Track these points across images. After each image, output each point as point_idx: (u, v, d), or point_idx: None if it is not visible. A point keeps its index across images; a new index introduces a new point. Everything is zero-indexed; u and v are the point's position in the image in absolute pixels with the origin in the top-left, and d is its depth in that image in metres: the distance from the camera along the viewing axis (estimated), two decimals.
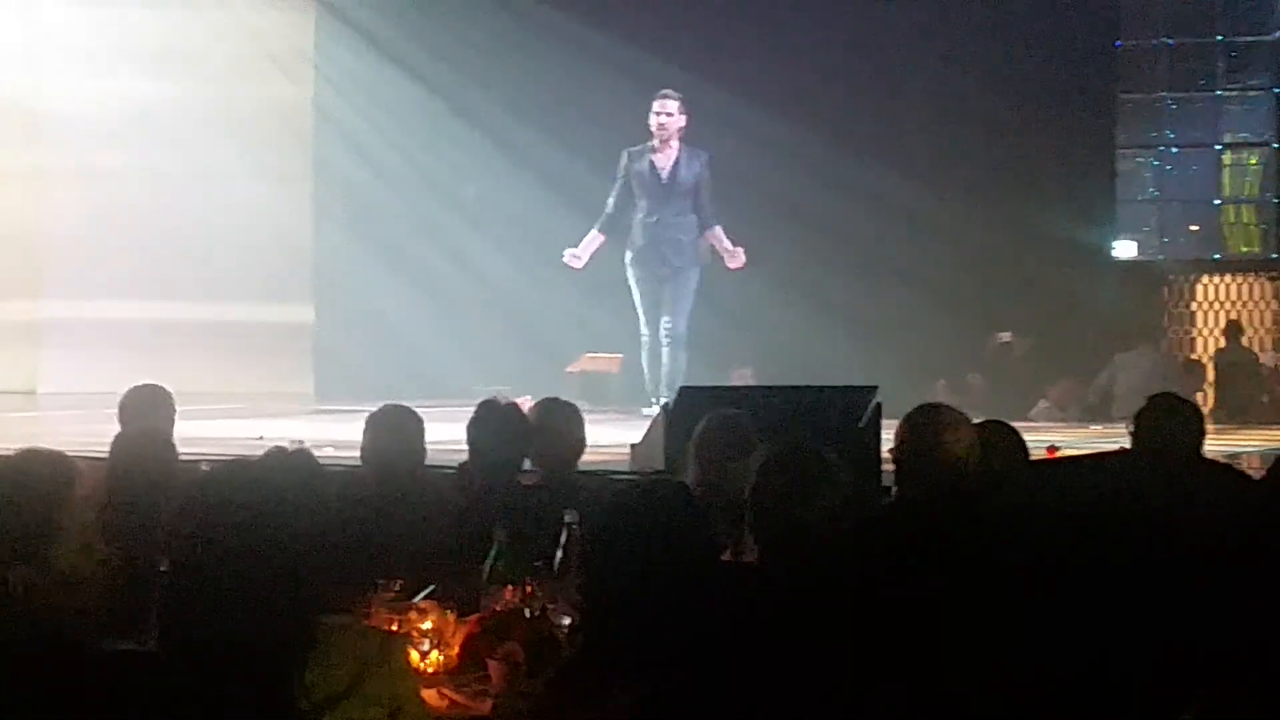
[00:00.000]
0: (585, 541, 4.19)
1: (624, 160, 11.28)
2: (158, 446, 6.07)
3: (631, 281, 11.24)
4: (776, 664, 2.57)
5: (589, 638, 3.88)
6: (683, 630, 3.36)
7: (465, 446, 6.27)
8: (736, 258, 11.28)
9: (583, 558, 4.00)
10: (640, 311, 11.20)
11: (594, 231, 11.33)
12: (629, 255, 11.23)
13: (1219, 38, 15.88)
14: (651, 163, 11.21)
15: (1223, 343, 15.30)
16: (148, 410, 7.04)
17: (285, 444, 5.76)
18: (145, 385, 7.33)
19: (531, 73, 14.99)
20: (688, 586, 3.55)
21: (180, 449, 6.29)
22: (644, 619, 3.55)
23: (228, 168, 14.78)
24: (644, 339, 11.18)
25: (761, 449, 5.16)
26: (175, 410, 7.29)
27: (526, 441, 6.18)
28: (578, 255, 11.29)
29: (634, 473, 8.04)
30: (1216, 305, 15.99)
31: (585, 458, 6.52)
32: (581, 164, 13.22)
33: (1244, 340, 15.19)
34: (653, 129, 11.22)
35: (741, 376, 13.39)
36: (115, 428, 6.66)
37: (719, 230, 11.27)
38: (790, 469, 4.75)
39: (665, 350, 11.08)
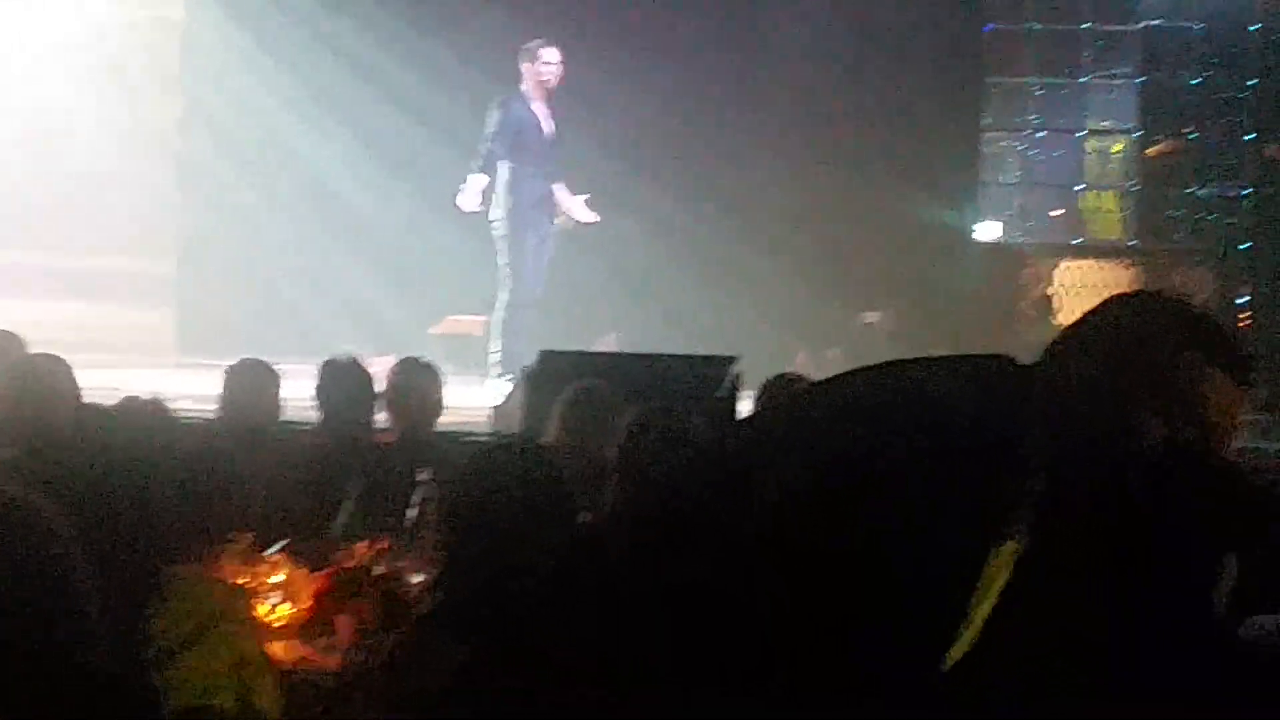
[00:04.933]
0: (441, 500, 4.20)
1: (499, 111, 10.74)
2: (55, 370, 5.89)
3: (508, 239, 10.74)
4: (632, 620, 2.59)
5: (441, 595, 3.89)
6: (535, 590, 3.38)
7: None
8: (588, 212, 11.04)
9: (438, 516, 4.01)
10: (509, 272, 10.75)
11: (477, 176, 10.71)
12: (504, 212, 10.73)
13: (1086, 25, 16.07)
14: (534, 115, 10.79)
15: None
16: None
17: (141, 395, 5.70)
18: None
19: (406, 18, 14.81)
20: (542, 547, 3.57)
21: None
22: (497, 578, 3.57)
23: (90, 113, 14.55)
24: (508, 300, 10.78)
25: (632, 409, 5.22)
26: None
27: (371, 397, 6.16)
28: (470, 199, 10.70)
29: (493, 434, 8.06)
30: (1076, 290, 16.20)
31: (445, 419, 6.52)
32: (459, 116, 12.99)
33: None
34: (540, 80, 10.75)
35: (606, 343, 13.38)
36: None
37: (563, 186, 10.98)
38: (658, 428, 4.82)
39: (529, 313, 10.84)
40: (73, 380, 5.64)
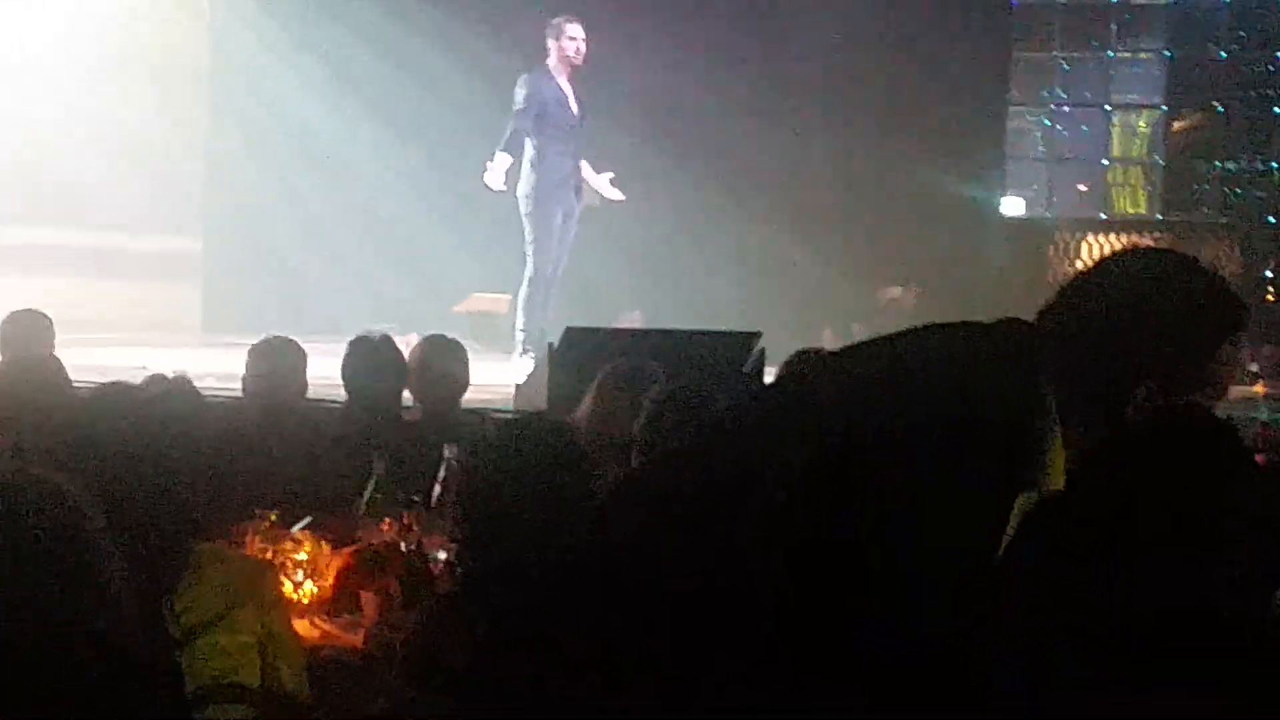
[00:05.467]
0: (462, 476, 4.21)
1: (526, 88, 10.68)
2: (46, 370, 5.94)
3: (535, 216, 10.66)
4: (651, 598, 2.58)
5: (463, 572, 3.90)
6: (557, 566, 3.38)
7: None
8: (614, 190, 11.03)
9: (459, 492, 4.02)
10: (535, 250, 10.69)
11: (503, 154, 10.66)
12: (532, 189, 10.67)
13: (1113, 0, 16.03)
14: (560, 91, 10.75)
15: None
16: (26, 336, 6.97)
17: (167, 373, 5.72)
18: (24, 311, 7.25)
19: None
20: (563, 522, 3.57)
21: None
22: (518, 554, 3.58)
23: (119, 97, 14.58)
24: (533, 278, 10.71)
25: (657, 386, 5.22)
26: (55, 337, 7.21)
27: (401, 375, 6.16)
28: (496, 177, 10.64)
29: (518, 411, 8.06)
30: None
31: (470, 396, 6.52)
32: (483, 99, 12.96)
33: None
34: (565, 55, 10.69)
35: (630, 319, 13.39)
36: None
37: (586, 163, 10.94)
38: (684, 404, 4.82)
39: (554, 290, 10.84)
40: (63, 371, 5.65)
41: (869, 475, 2.35)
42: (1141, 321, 2.48)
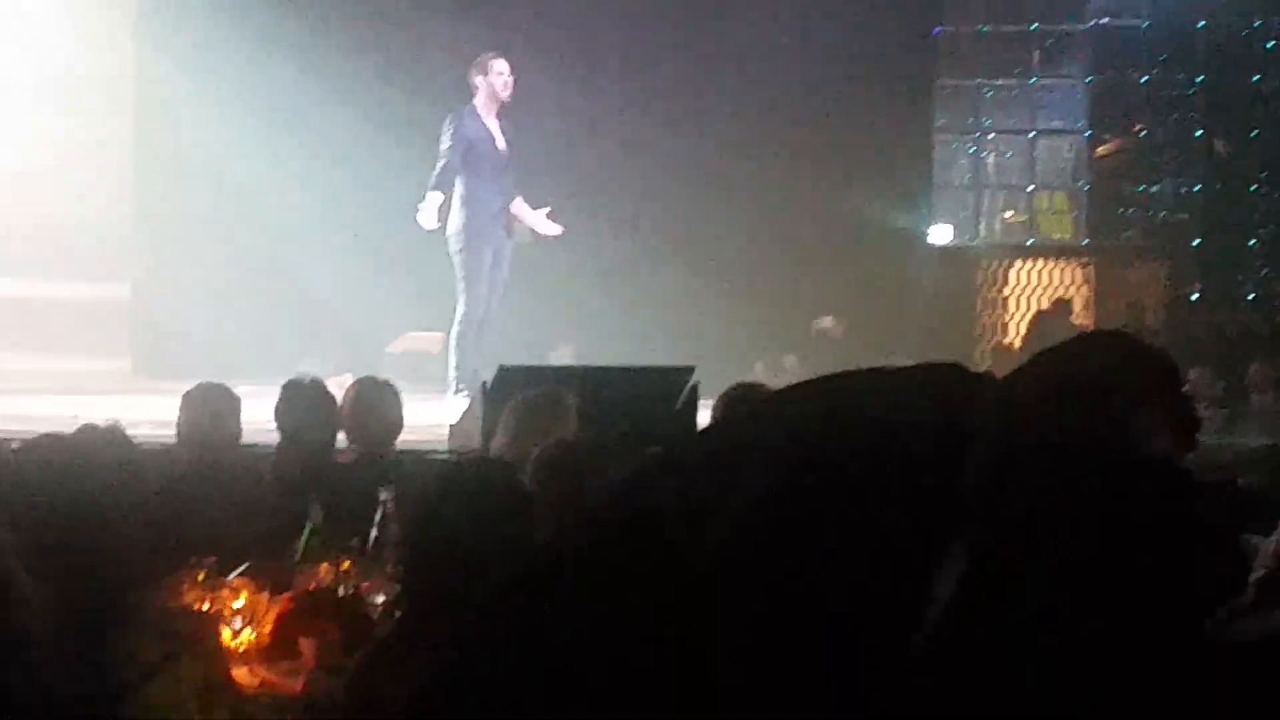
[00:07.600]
0: (402, 518, 4.20)
1: (454, 125, 10.66)
2: None
3: (465, 255, 10.63)
4: (591, 635, 2.57)
5: (403, 614, 3.89)
6: (498, 608, 3.37)
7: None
8: (551, 225, 11.05)
9: (400, 534, 4.01)
10: (465, 288, 10.63)
11: (434, 192, 10.58)
12: (461, 227, 10.62)
13: (1035, 26, 16.18)
14: (487, 129, 10.73)
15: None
16: None
17: (99, 422, 5.67)
18: None
19: (357, 41, 14.80)
20: (504, 564, 3.57)
21: None
22: (460, 596, 3.57)
23: (39, 137, 14.49)
24: (465, 316, 10.64)
25: (567, 417, 5.20)
26: None
27: (334, 418, 6.15)
28: (429, 216, 10.55)
29: (452, 452, 8.05)
30: (1030, 291, 16.29)
31: (404, 437, 6.51)
32: (418, 137, 12.94)
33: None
34: (492, 91, 10.67)
35: (560, 356, 13.37)
36: None
37: (521, 200, 10.94)
38: (566, 459, 4.73)
39: (486, 329, 10.78)
40: None
41: (795, 524, 2.35)
42: (1080, 405, 2.56)
